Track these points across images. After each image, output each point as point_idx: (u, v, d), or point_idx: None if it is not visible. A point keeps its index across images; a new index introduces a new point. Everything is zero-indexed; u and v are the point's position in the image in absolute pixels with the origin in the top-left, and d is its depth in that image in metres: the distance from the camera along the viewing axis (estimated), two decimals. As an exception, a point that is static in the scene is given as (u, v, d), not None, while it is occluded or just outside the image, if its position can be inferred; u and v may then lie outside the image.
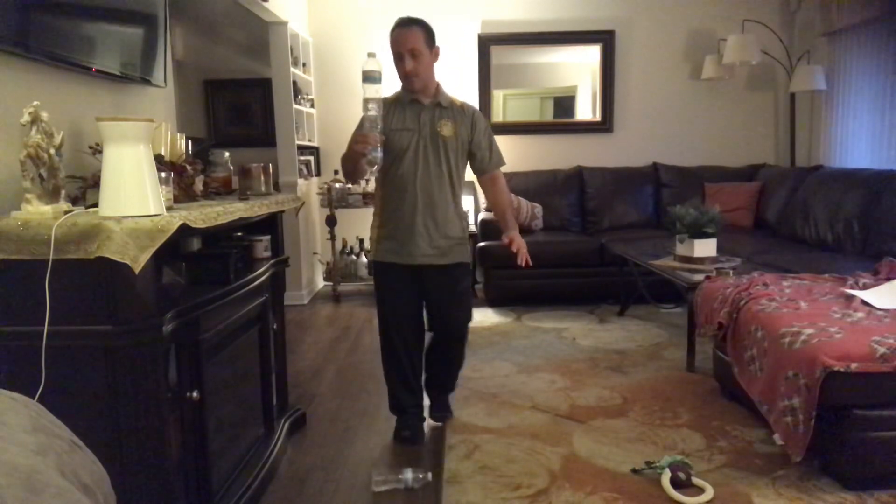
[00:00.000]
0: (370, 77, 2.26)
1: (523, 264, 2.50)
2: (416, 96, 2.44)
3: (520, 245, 2.51)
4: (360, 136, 2.29)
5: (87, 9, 2.12)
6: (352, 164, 2.41)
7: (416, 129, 2.43)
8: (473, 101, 4.91)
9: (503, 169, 2.65)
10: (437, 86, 2.48)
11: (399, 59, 2.37)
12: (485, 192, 2.68)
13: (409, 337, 2.56)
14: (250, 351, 2.31)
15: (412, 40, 2.34)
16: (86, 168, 1.93)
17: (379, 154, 2.31)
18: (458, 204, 2.54)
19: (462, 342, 2.69)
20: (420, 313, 2.60)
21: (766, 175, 5.11)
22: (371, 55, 2.28)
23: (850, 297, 2.55)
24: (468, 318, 2.67)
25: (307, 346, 3.93)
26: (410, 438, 2.56)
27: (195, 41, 5.36)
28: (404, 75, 2.38)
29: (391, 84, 2.40)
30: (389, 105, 2.44)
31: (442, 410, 2.74)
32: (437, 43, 2.43)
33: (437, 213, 2.45)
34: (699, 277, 3.23)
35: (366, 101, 2.27)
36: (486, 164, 2.57)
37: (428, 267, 2.49)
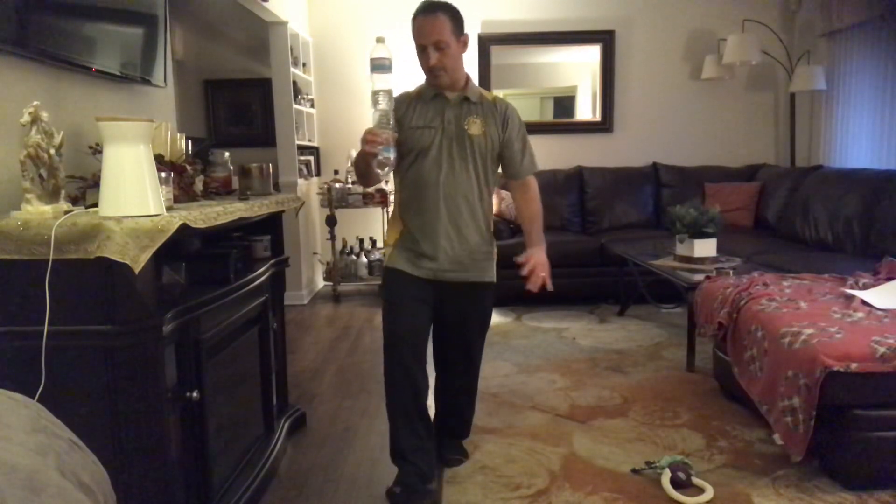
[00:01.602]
0: (379, 65, 1.99)
1: (534, 289, 2.17)
2: (441, 91, 2.16)
3: (535, 266, 2.16)
4: (369, 134, 2.00)
5: (86, 9, 2.12)
6: (364, 166, 2.12)
7: (439, 127, 2.13)
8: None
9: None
10: (467, 79, 2.19)
11: (422, 52, 2.07)
12: (513, 198, 2.39)
13: (416, 354, 2.17)
14: (250, 351, 2.31)
15: (437, 31, 2.02)
16: (86, 168, 1.93)
17: (391, 154, 2.04)
18: (486, 213, 2.23)
19: (472, 381, 2.40)
20: (429, 334, 2.26)
21: (766, 175, 5.11)
22: (380, 40, 2.02)
23: (850, 297, 2.55)
24: (480, 347, 2.36)
25: (307, 346, 3.93)
26: (400, 497, 2.10)
27: (195, 41, 5.36)
28: (428, 70, 2.09)
29: (412, 76, 2.20)
30: (410, 100, 2.18)
31: (456, 453, 2.40)
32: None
33: (461, 222, 2.16)
34: (699, 277, 3.23)
35: (374, 93, 2.01)
36: (517, 168, 2.24)
37: (446, 284, 2.19)
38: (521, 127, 2.24)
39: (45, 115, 1.63)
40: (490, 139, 2.17)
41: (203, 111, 5.48)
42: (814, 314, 2.35)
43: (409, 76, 2.22)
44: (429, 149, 2.14)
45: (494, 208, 4.89)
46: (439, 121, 2.15)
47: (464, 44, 2.13)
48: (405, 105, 2.17)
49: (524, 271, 2.17)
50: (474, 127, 2.15)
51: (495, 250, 2.31)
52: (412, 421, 2.18)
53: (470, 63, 5.29)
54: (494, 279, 2.29)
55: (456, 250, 2.17)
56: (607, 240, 4.70)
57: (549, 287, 2.18)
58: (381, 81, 2.01)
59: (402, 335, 2.15)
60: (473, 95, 2.18)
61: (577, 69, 5.63)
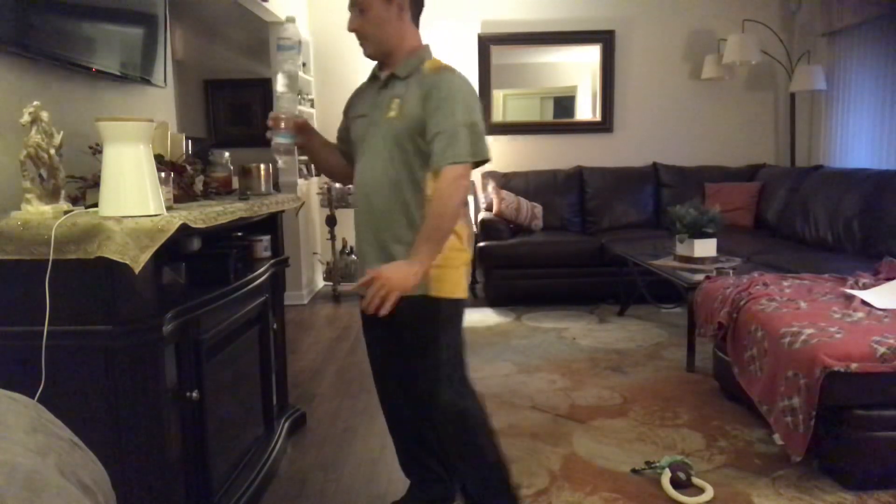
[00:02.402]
0: (281, 45, 1.80)
1: (366, 309, 1.62)
2: (377, 70, 1.84)
3: (374, 278, 1.59)
4: (270, 116, 1.79)
5: (87, 9, 2.12)
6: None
7: (368, 114, 1.81)
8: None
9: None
10: (410, 51, 1.76)
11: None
12: None
13: (389, 389, 1.99)
14: (250, 351, 2.31)
15: None
16: (86, 168, 1.93)
17: (285, 140, 1.80)
18: (412, 213, 1.74)
19: (420, 415, 1.94)
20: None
21: (766, 175, 5.11)
22: (289, 19, 1.84)
23: (850, 297, 2.55)
24: (431, 387, 1.78)
25: (307, 346, 3.93)
26: None
27: (195, 41, 5.36)
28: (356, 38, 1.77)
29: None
30: (358, 88, 1.95)
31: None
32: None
33: (380, 226, 1.77)
34: (699, 277, 3.23)
35: (276, 74, 1.84)
36: (433, 156, 1.67)
37: None
38: (449, 101, 1.67)
39: (45, 115, 1.63)
40: (406, 120, 1.71)
41: (203, 111, 5.48)
42: (814, 314, 2.35)
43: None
44: (356, 142, 1.85)
45: (494, 208, 4.96)
46: (368, 107, 1.82)
47: (399, 7, 1.72)
48: (353, 94, 1.97)
49: (362, 285, 1.63)
50: (394, 108, 1.73)
51: (440, 256, 1.70)
52: (404, 444, 2.05)
53: (470, 63, 5.29)
54: (440, 293, 1.74)
55: (374, 257, 1.77)
56: (607, 240, 4.71)
57: (381, 311, 1.59)
58: (286, 63, 1.82)
59: (379, 382, 2.01)
60: (404, 71, 1.75)
61: (577, 69, 5.62)
